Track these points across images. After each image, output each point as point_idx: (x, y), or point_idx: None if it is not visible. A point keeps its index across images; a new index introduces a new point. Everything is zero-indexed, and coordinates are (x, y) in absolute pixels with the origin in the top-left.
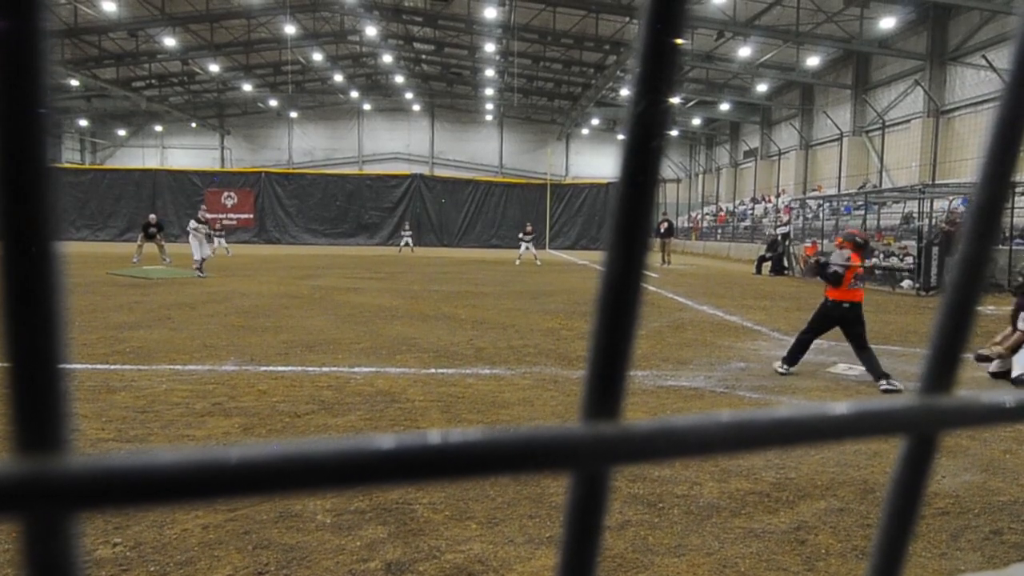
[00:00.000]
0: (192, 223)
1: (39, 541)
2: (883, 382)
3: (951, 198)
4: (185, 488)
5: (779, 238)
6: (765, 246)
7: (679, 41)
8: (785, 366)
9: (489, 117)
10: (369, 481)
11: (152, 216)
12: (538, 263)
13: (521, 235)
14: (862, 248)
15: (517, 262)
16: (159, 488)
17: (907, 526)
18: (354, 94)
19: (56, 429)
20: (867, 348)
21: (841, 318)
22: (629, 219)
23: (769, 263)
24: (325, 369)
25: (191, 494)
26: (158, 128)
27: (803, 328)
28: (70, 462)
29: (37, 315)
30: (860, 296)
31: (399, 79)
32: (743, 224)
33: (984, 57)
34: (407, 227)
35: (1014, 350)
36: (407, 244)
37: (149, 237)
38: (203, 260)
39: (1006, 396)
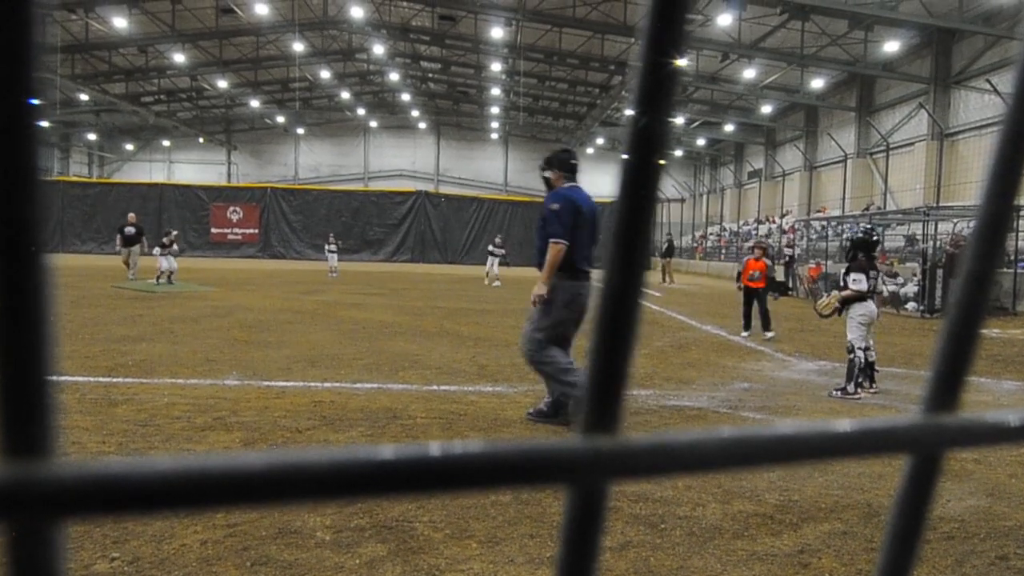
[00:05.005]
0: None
1: (24, 548)
2: None
3: (955, 220)
4: (175, 496)
5: (785, 259)
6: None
7: (678, 62)
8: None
9: (494, 135)
10: (367, 492)
11: (131, 215)
12: (489, 282)
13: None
14: None
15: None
16: (147, 495)
17: (911, 548)
18: (361, 111)
19: (43, 435)
20: None
21: None
22: (628, 235)
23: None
24: (327, 385)
25: (181, 502)
26: (166, 143)
27: None
28: (55, 468)
29: (25, 322)
30: None
31: (406, 97)
32: (747, 244)
33: (988, 81)
34: None
35: (844, 301)
36: None
37: (128, 242)
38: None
39: (1010, 416)
